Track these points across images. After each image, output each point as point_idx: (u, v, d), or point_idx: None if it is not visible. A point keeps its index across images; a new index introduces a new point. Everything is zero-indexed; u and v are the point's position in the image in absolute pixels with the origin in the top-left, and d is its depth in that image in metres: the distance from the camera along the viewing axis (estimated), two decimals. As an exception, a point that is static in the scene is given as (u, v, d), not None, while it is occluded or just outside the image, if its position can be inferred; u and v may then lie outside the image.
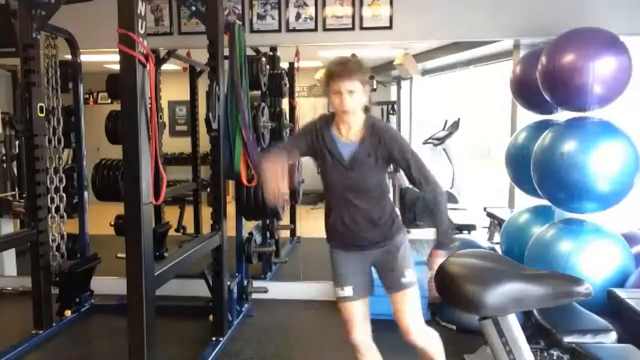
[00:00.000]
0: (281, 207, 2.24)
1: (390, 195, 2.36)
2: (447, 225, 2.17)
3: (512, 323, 1.54)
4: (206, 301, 3.46)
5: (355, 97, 2.14)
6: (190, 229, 5.69)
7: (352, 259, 2.27)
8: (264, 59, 3.90)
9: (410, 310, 2.22)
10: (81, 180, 3.89)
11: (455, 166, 6.68)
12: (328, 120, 2.27)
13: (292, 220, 5.67)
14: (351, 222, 2.22)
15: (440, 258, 2.07)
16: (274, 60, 4.62)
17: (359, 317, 2.26)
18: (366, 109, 2.26)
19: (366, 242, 2.25)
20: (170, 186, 4.71)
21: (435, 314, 3.69)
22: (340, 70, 2.14)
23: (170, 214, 5.37)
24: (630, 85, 3.04)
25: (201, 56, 4.40)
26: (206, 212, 4.03)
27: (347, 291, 2.25)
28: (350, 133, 2.21)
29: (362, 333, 2.26)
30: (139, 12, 2.15)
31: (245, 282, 3.79)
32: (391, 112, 8.48)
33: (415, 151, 2.21)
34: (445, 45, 6.01)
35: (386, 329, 2.83)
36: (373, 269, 2.35)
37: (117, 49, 2.13)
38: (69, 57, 3.82)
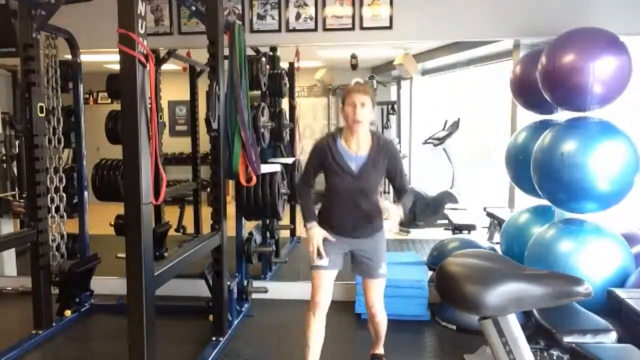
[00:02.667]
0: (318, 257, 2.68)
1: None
2: (405, 204, 2.61)
3: (512, 323, 1.54)
4: (206, 301, 3.46)
5: (366, 109, 2.50)
6: (190, 229, 5.69)
7: (336, 242, 2.66)
8: (264, 59, 3.90)
9: (378, 293, 2.73)
10: (81, 180, 3.89)
11: (455, 166, 6.69)
12: (335, 136, 2.62)
13: (292, 220, 5.67)
14: (353, 217, 2.61)
15: (394, 207, 2.51)
16: (274, 60, 4.62)
17: (328, 284, 2.67)
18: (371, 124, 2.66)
19: (359, 235, 2.65)
20: (170, 186, 4.72)
21: (435, 314, 3.70)
22: (355, 87, 2.55)
23: (170, 214, 5.37)
24: (630, 85, 3.05)
25: (201, 56, 4.40)
26: (206, 212, 4.03)
27: (324, 261, 2.64)
28: (358, 146, 2.58)
29: (325, 298, 2.65)
30: (139, 12, 2.15)
31: (245, 282, 3.79)
32: (391, 112, 8.49)
33: (403, 166, 2.69)
34: (445, 45, 6.02)
35: (389, 328, 2.85)
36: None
37: (117, 49, 2.13)
38: (69, 57, 3.82)
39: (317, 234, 2.62)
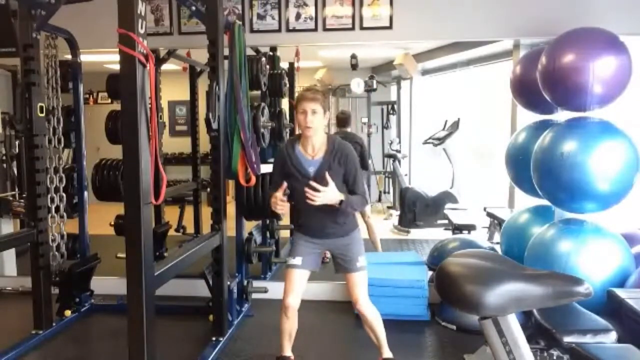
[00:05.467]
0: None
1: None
2: (353, 206, 2.65)
3: (512, 323, 1.54)
4: (206, 301, 3.46)
5: (317, 115, 2.60)
6: (190, 229, 5.69)
7: (311, 242, 2.78)
8: (264, 59, 3.90)
9: (360, 286, 2.76)
10: (81, 180, 3.88)
11: (455, 166, 6.69)
12: (294, 142, 2.74)
13: (292, 220, 5.66)
14: (319, 221, 2.71)
15: (331, 189, 2.54)
16: (274, 60, 4.61)
17: (298, 283, 2.75)
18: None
19: (329, 235, 2.75)
20: (170, 186, 4.72)
21: (435, 314, 3.70)
22: (305, 95, 2.64)
23: (170, 214, 5.37)
24: (630, 85, 3.05)
25: (201, 56, 4.40)
26: (206, 212, 4.03)
27: (297, 260, 2.75)
28: (314, 150, 2.68)
29: (295, 300, 2.73)
30: (139, 12, 2.15)
31: (245, 282, 3.79)
32: (391, 112, 8.50)
33: (359, 171, 2.72)
34: (445, 45, 6.03)
35: (389, 328, 2.85)
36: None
37: (117, 49, 2.13)
38: (69, 57, 3.82)
39: (276, 193, 2.65)
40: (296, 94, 2.64)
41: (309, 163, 2.68)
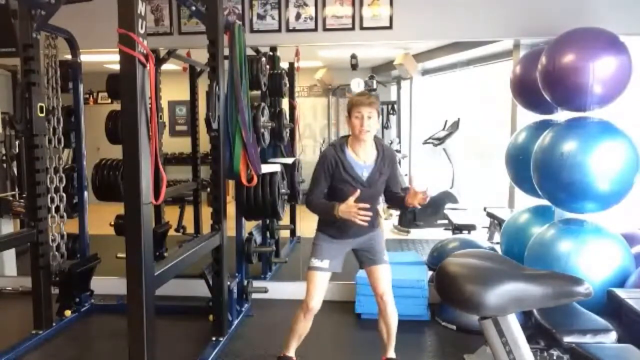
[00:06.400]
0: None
1: None
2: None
3: (512, 323, 1.54)
4: (206, 301, 3.46)
5: (372, 120, 2.61)
6: (190, 229, 5.68)
7: (338, 244, 2.76)
8: (264, 59, 3.90)
9: (388, 279, 2.79)
10: (81, 180, 3.89)
11: (455, 166, 6.69)
12: (342, 146, 2.68)
13: (292, 220, 5.66)
14: (357, 223, 2.58)
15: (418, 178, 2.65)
16: (274, 60, 4.61)
17: (324, 286, 2.75)
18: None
19: (363, 233, 2.74)
20: (170, 186, 4.72)
21: (435, 314, 3.70)
22: (362, 100, 2.63)
23: (170, 214, 5.37)
24: (630, 85, 3.05)
25: (201, 56, 4.40)
26: (206, 212, 4.03)
27: (325, 264, 2.73)
28: (366, 155, 2.67)
29: (319, 304, 2.73)
30: (139, 12, 2.14)
31: (245, 282, 3.79)
32: (391, 112, 8.49)
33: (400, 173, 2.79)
34: (445, 45, 6.02)
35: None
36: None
37: (117, 49, 2.13)
38: (69, 57, 3.82)
39: (342, 205, 2.55)
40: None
41: (361, 168, 2.66)
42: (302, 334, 2.82)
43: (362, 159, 2.67)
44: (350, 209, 2.51)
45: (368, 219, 2.55)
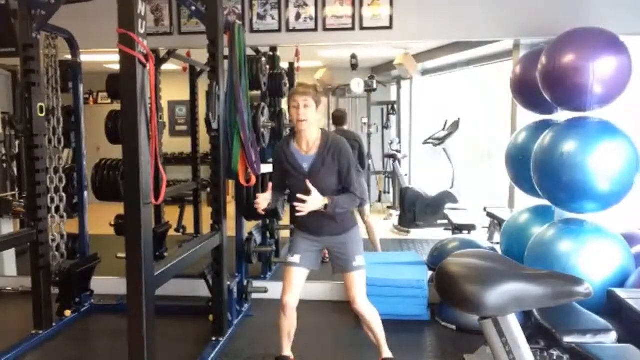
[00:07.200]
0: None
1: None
2: (343, 207, 2.66)
3: (512, 323, 1.54)
4: (206, 301, 3.46)
5: (309, 109, 2.61)
6: (190, 229, 5.69)
7: (309, 240, 2.77)
8: (264, 59, 3.90)
9: (356, 286, 2.73)
10: (81, 180, 3.89)
11: (455, 166, 6.69)
12: (289, 139, 2.76)
13: (292, 220, 5.66)
14: (316, 218, 2.66)
15: (314, 197, 2.56)
16: (274, 60, 4.61)
17: (296, 282, 2.74)
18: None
19: (326, 232, 2.74)
20: (170, 186, 4.72)
21: (435, 314, 3.70)
22: (297, 89, 2.68)
23: (170, 214, 5.37)
24: (630, 85, 3.05)
25: (201, 56, 4.40)
26: (206, 212, 4.03)
27: (295, 258, 2.75)
28: (308, 146, 2.68)
29: (293, 299, 2.73)
30: (139, 12, 2.14)
31: (245, 282, 3.79)
32: (391, 112, 8.50)
33: (353, 167, 2.70)
34: (445, 45, 6.03)
35: (389, 328, 2.85)
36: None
37: (117, 49, 2.13)
38: (69, 57, 3.82)
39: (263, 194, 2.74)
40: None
41: (303, 159, 2.68)
42: (288, 331, 2.82)
43: (305, 150, 2.68)
44: (258, 198, 2.68)
45: (260, 206, 2.66)
